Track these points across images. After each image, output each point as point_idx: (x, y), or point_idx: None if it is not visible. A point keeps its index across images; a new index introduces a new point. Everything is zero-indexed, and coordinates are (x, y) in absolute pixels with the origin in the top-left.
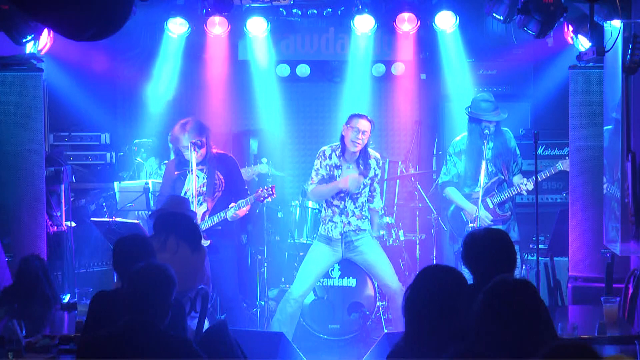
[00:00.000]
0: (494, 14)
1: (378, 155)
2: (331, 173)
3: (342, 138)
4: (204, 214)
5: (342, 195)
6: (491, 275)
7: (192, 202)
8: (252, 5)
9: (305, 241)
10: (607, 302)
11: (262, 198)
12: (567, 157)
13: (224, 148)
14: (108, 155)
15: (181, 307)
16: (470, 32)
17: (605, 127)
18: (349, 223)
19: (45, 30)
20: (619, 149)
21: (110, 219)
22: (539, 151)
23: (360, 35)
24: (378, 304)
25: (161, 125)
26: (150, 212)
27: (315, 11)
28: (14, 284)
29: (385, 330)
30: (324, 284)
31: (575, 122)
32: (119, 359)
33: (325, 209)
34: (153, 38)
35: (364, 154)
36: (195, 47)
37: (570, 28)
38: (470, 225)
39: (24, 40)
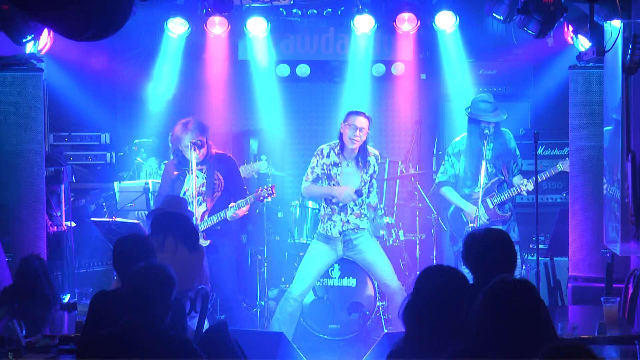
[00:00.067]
0: (494, 14)
1: (377, 152)
2: (328, 172)
3: (341, 136)
4: (203, 213)
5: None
6: (491, 275)
7: (192, 202)
8: (252, 5)
9: (305, 241)
10: (607, 302)
11: (262, 198)
12: (567, 158)
13: (224, 148)
14: (108, 155)
15: (181, 307)
16: (470, 32)
17: (605, 128)
18: (347, 221)
19: (45, 30)
20: (619, 149)
21: (110, 219)
22: (539, 151)
23: (360, 35)
24: (378, 304)
25: (161, 125)
26: (147, 212)
27: (315, 11)
28: (14, 284)
29: (385, 330)
30: (324, 284)
31: (575, 122)
32: (119, 359)
33: (324, 208)
34: (153, 38)
35: (363, 151)
36: (195, 47)
37: (570, 28)
38: (470, 225)
39: (24, 40)
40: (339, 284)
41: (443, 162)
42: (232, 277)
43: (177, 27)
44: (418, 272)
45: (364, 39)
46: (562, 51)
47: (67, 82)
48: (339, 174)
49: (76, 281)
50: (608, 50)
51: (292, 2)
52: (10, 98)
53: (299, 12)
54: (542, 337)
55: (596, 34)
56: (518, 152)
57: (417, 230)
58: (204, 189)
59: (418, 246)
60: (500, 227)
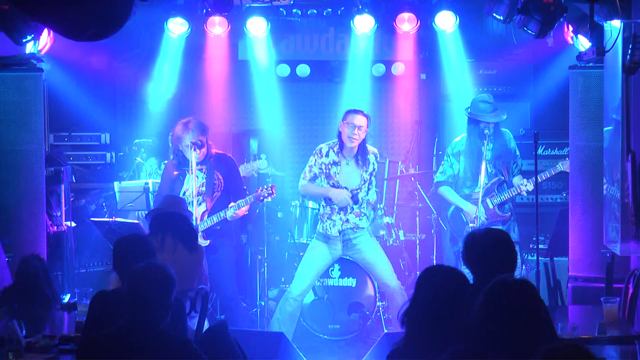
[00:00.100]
0: (494, 14)
1: (376, 151)
2: (327, 171)
3: (339, 134)
4: (203, 213)
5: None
6: (491, 275)
7: (192, 202)
8: (252, 5)
9: (305, 241)
10: (607, 302)
11: (261, 197)
12: (567, 158)
13: (224, 148)
14: (108, 155)
15: (181, 307)
16: (470, 32)
17: (605, 128)
18: (347, 220)
19: (45, 30)
20: (619, 149)
21: (110, 219)
22: (539, 151)
23: (360, 35)
24: (378, 304)
25: (161, 125)
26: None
27: (315, 11)
28: (14, 284)
29: (385, 330)
30: (324, 284)
31: (575, 122)
32: (119, 359)
33: (323, 207)
34: (153, 38)
35: (362, 149)
36: (195, 47)
37: (570, 28)
38: (470, 225)
39: (24, 40)
40: (339, 284)
41: (442, 162)
42: (232, 277)
43: (177, 27)
44: (418, 272)
45: (364, 39)
46: (562, 51)
47: (67, 82)
48: (338, 173)
49: (76, 281)
50: (608, 50)
51: (292, 2)
52: (10, 98)
53: (299, 12)
54: (542, 337)
55: (596, 34)
56: (518, 152)
57: (417, 230)
58: (203, 189)
59: (418, 246)
60: (500, 227)
